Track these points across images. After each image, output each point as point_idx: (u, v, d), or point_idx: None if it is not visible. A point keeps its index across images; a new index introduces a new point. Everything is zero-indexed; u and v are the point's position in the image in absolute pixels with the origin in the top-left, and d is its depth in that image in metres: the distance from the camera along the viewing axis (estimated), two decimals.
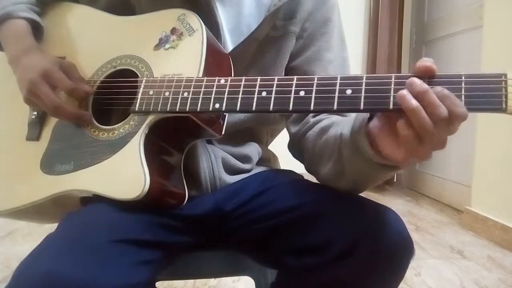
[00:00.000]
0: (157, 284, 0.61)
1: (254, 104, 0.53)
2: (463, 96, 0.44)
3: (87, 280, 0.47)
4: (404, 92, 0.45)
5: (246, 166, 0.76)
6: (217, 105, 0.55)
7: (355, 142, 0.55)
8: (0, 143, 0.72)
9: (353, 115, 0.58)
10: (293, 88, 0.52)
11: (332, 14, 0.76)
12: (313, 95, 0.50)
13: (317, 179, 0.70)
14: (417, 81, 0.45)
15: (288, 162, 0.91)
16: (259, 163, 0.80)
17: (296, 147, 0.76)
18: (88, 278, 0.47)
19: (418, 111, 0.44)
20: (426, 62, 0.46)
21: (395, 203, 2.65)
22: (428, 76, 0.46)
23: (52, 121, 0.68)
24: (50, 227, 0.60)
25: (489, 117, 1.96)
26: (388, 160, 0.52)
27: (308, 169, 0.73)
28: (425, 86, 0.45)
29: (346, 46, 0.79)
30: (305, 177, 0.76)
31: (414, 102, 0.44)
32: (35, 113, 0.69)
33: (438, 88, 0.44)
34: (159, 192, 0.60)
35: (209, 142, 0.72)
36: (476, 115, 2.08)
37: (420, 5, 3.05)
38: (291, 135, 0.78)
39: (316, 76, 0.51)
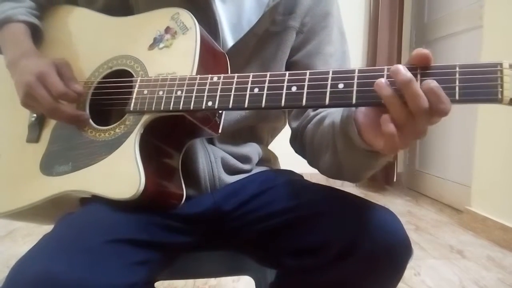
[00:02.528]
0: (157, 283, 0.61)
1: (247, 101, 0.53)
2: (457, 87, 0.43)
3: (82, 280, 0.47)
4: (382, 80, 0.45)
5: (246, 166, 0.76)
6: (210, 103, 0.55)
7: (345, 132, 0.55)
8: (0, 146, 0.72)
9: None
10: (285, 84, 0.51)
11: (332, 8, 0.76)
12: (305, 90, 0.50)
13: (319, 171, 0.70)
14: (401, 69, 0.44)
15: (288, 162, 0.91)
16: (259, 163, 0.80)
17: (298, 142, 0.77)
18: (83, 278, 0.47)
19: (393, 98, 0.44)
20: (422, 50, 0.45)
21: (395, 203, 2.65)
22: (421, 67, 0.45)
23: (51, 123, 0.68)
24: (50, 228, 0.60)
25: (489, 116, 1.96)
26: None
27: (310, 163, 0.74)
28: (408, 74, 0.43)
29: (346, 40, 0.79)
30: (305, 177, 0.76)
31: (390, 90, 0.44)
32: (35, 115, 0.70)
33: (428, 80, 0.43)
34: (155, 192, 0.60)
35: (209, 141, 0.72)
36: (476, 114, 2.08)
37: (420, 6, 3.05)
38: (293, 130, 0.79)
39: (308, 71, 0.51)
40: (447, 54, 2.67)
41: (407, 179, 3.17)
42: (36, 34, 0.74)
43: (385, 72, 0.46)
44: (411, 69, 0.45)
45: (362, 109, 0.52)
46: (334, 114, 0.63)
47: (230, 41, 0.72)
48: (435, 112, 0.43)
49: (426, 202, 2.69)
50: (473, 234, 2.02)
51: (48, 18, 0.78)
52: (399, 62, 3.22)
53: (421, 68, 0.45)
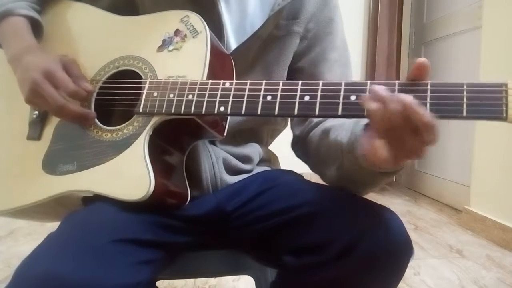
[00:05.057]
0: (158, 283, 0.61)
1: (259, 108, 0.54)
2: (464, 105, 0.45)
3: (87, 280, 0.47)
4: (368, 95, 0.48)
5: (247, 166, 0.76)
6: (222, 108, 0.56)
7: (354, 155, 0.56)
8: (0, 142, 0.72)
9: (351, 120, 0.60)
10: (298, 93, 0.52)
11: (335, 14, 0.77)
12: (318, 100, 0.51)
13: (322, 180, 0.71)
14: (378, 88, 0.47)
15: (288, 162, 0.91)
16: (260, 163, 0.81)
17: (300, 147, 0.78)
18: (89, 277, 0.47)
19: (375, 111, 0.46)
20: (422, 60, 0.47)
21: (394, 202, 2.65)
22: (432, 84, 0.47)
23: (54, 121, 0.68)
24: (52, 226, 0.60)
25: None
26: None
27: (313, 170, 0.74)
28: (385, 94, 0.46)
29: (347, 44, 0.81)
30: (305, 177, 0.77)
31: (372, 103, 0.47)
32: (36, 112, 0.69)
33: (401, 96, 0.45)
34: (163, 193, 0.60)
35: (211, 142, 0.72)
36: None
37: (419, 6, 3.05)
38: (295, 136, 0.80)
39: (321, 81, 0.52)
40: (446, 55, 2.67)
41: (406, 179, 3.17)
42: (36, 30, 0.73)
43: (396, 87, 0.48)
44: (422, 85, 0.47)
45: (367, 133, 0.53)
46: (339, 130, 0.64)
47: (233, 44, 0.72)
48: (418, 126, 0.45)
49: (426, 202, 2.69)
50: (472, 234, 2.02)
51: (49, 13, 0.77)
52: (398, 62, 3.22)
53: (431, 84, 0.47)
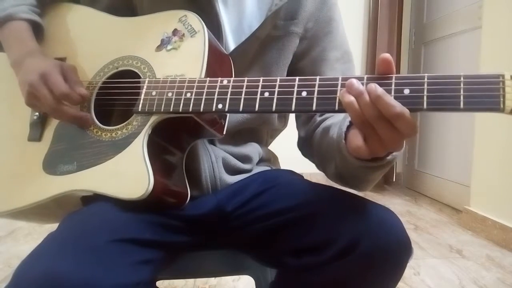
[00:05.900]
0: (158, 283, 0.61)
1: (257, 105, 0.54)
2: (461, 96, 0.45)
3: (87, 280, 0.47)
4: (343, 89, 0.50)
5: (247, 166, 0.76)
6: (220, 106, 0.56)
7: (340, 149, 0.57)
8: (0, 143, 0.72)
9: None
10: (295, 89, 0.53)
11: (334, 13, 0.77)
12: (315, 95, 0.51)
13: (327, 177, 0.72)
14: (354, 83, 0.49)
15: (288, 162, 0.92)
16: (260, 163, 0.81)
17: (306, 147, 0.79)
18: (89, 277, 0.47)
19: (353, 105, 0.48)
20: (385, 56, 0.49)
21: (394, 202, 2.65)
22: (429, 77, 0.47)
23: (54, 122, 0.68)
24: (51, 226, 0.60)
25: (488, 117, 1.97)
26: (372, 162, 0.54)
27: (319, 169, 0.76)
28: (361, 88, 0.48)
29: (347, 39, 0.81)
30: (305, 177, 0.77)
31: (350, 98, 0.49)
32: (37, 113, 0.69)
33: (372, 87, 0.47)
34: (162, 192, 0.60)
35: (210, 142, 0.73)
36: (474, 115, 2.09)
37: (419, 6, 3.06)
38: (300, 138, 0.80)
39: (318, 77, 0.52)
40: (446, 55, 2.68)
41: (406, 179, 3.17)
42: (37, 32, 0.73)
43: (393, 80, 0.49)
44: (419, 78, 0.47)
45: (352, 130, 0.54)
46: (336, 127, 0.64)
47: (231, 44, 0.72)
48: (390, 117, 0.47)
49: (425, 202, 2.70)
50: (472, 234, 2.03)
51: (49, 15, 0.77)
52: (398, 62, 3.23)
53: (428, 77, 0.47)
